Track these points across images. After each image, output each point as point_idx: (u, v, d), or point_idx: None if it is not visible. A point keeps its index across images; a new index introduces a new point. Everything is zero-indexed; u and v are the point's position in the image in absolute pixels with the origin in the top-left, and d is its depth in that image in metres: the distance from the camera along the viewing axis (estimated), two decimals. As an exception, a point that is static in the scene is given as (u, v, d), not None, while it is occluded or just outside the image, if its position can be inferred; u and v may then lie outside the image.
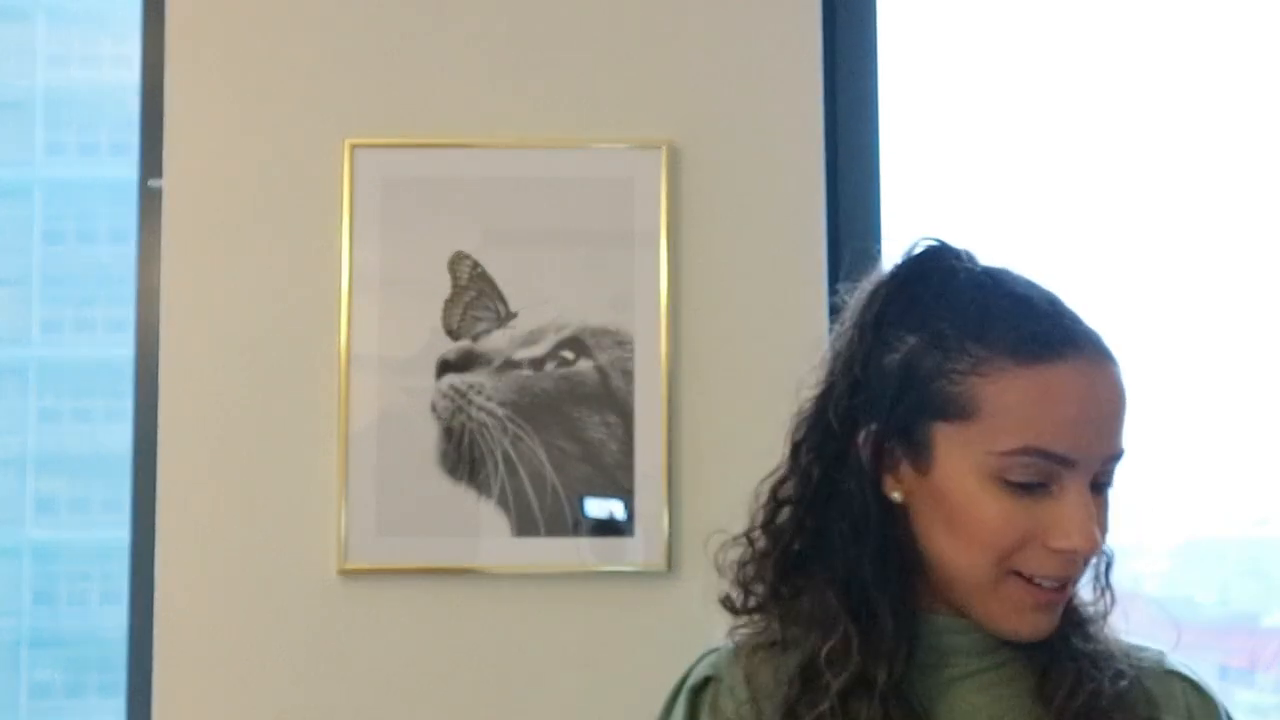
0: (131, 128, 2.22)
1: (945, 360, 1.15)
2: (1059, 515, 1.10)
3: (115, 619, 2.46)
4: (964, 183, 2.35)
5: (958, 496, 1.14)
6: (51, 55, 5.22)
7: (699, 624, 2.05)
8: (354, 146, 2.11)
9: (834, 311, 2.15)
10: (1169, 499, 2.21)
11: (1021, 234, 2.31)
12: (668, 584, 2.06)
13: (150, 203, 2.16)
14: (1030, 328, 1.14)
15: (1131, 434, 1.12)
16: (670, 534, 2.05)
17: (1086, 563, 1.14)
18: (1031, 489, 1.12)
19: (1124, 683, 1.13)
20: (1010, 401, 1.12)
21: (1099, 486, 1.13)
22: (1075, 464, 1.11)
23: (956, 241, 1.22)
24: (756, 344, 2.09)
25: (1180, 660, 1.18)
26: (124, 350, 2.22)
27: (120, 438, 2.23)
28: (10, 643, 5.11)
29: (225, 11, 2.15)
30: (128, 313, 2.20)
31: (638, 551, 2.05)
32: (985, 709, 1.19)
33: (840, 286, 1.29)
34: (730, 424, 2.08)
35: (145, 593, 2.08)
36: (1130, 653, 1.18)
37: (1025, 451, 1.11)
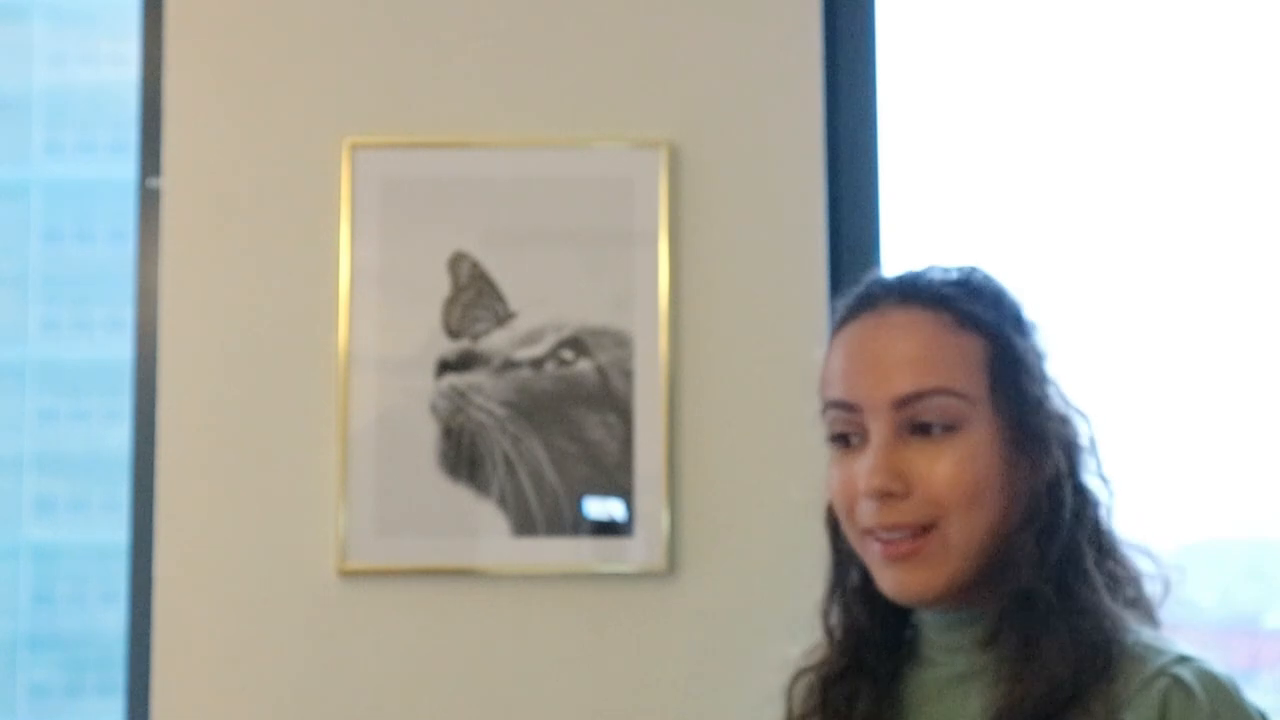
0: (130, 127, 2.21)
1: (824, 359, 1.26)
2: (862, 463, 1.16)
3: (114, 619, 2.46)
4: (963, 182, 2.35)
5: (828, 473, 1.23)
6: (50, 55, 5.22)
7: (699, 624, 2.06)
8: (354, 146, 2.11)
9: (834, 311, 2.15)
10: (1170, 500, 2.21)
11: (1021, 233, 2.31)
12: (668, 584, 2.06)
13: (149, 202, 2.16)
14: (848, 299, 1.24)
15: (956, 378, 1.15)
16: (670, 534, 2.05)
17: (928, 508, 1.14)
18: (849, 444, 1.18)
19: (1090, 690, 1.09)
20: (825, 370, 1.23)
21: (924, 428, 1.15)
22: (862, 409, 1.16)
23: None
24: (756, 344, 2.09)
25: (1195, 664, 1.10)
26: (123, 350, 2.22)
27: (119, 438, 2.23)
28: (9, 643, 5.11)
29: (225, 11, 2.15)
30: (126, 313, 2.20)
31: (638, 552, 2.05)
32: (949, 713, 1.19)
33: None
34: (730, 424, 2.08)
35: (144, 593, 2.07)
36: (1138, 654, 1.12)
37: (826, 406, 1.20)
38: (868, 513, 1.16)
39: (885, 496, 1.14)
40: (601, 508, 2.06)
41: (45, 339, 5.14)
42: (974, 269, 1.23)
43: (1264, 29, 2.39)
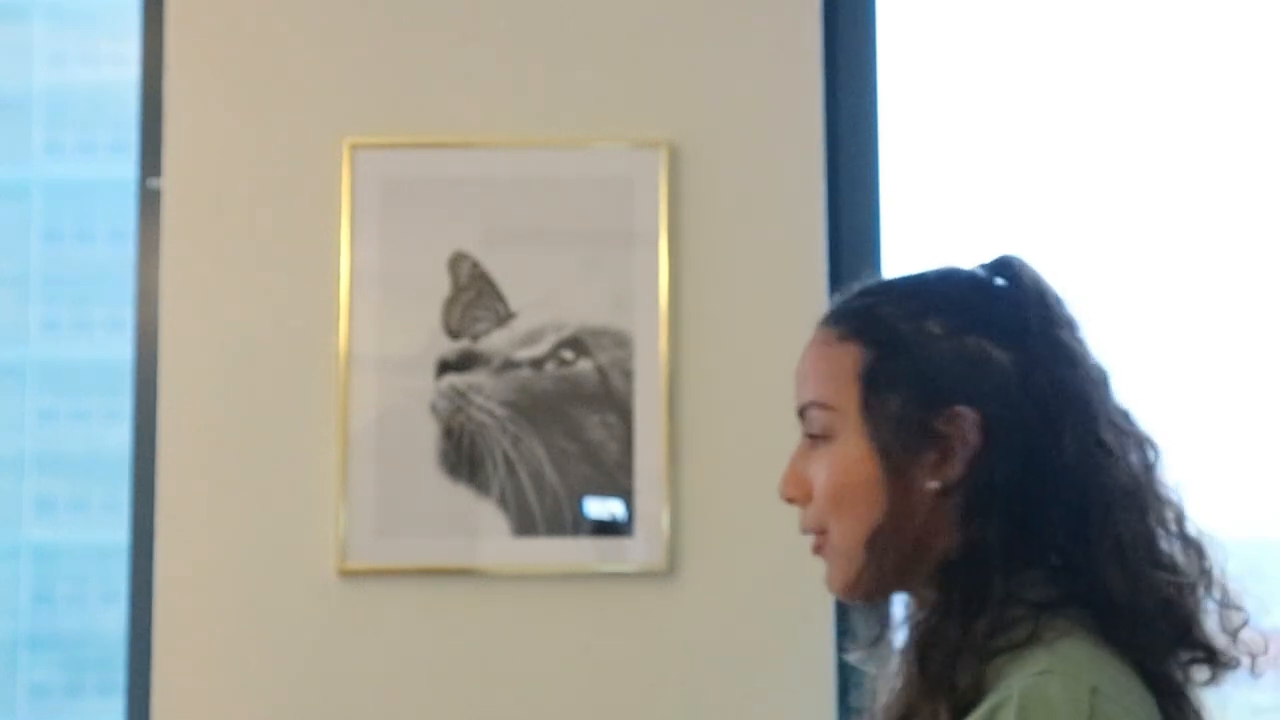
0: (131, 127, 2.21)
1: None
2: None
3: (114, 619, 2.46)
4: (963, 182, 2.35)
5: None
6: (50, 55, 5.22)
7: (699, 624, 2.06)
8: (353, 146, 2.11)
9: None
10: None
11: (1020, 232, 2.31)
12: (668, 584, 2.06)
13: (149, 202, 2.16)
14: None
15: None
16: (670, 534, 2.05)
17: (816, 514, 1.17)
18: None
19: (935, 699, 1.09)
20: None
21: (813, 441, 1.19)
22: (799, 414, 1.21)
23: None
24: (756, 344, 2.09)
25: (1041, 681, 1.04)
26: (123, 350, 2.22)
27: (119, 438, 2.23)
28: (9, 643, 5.11)
29: (225, 11, 2.15)
30: (126, 313, 2.20)
31: (638, 551, 2.05)
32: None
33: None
34: (730, 424, 2.08)
35: (144, 593, 2.07)
36: (1005, 666, 1.08)
37: None
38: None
39: (790, 502, 1.20)
40: (601, 508, 2.06)
41: (45, 339, 5.14)
42: (936, 271, 1.22)
43: (1264, 29, 2.39)
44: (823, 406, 1.17)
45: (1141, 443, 1.19)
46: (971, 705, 1.06)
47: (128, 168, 2.22)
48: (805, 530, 1.20)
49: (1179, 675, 1.14)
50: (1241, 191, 2.43)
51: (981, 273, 1.22)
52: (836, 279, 2.10)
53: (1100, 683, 1.05)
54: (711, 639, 2.05)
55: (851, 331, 1.18)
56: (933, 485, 1.14)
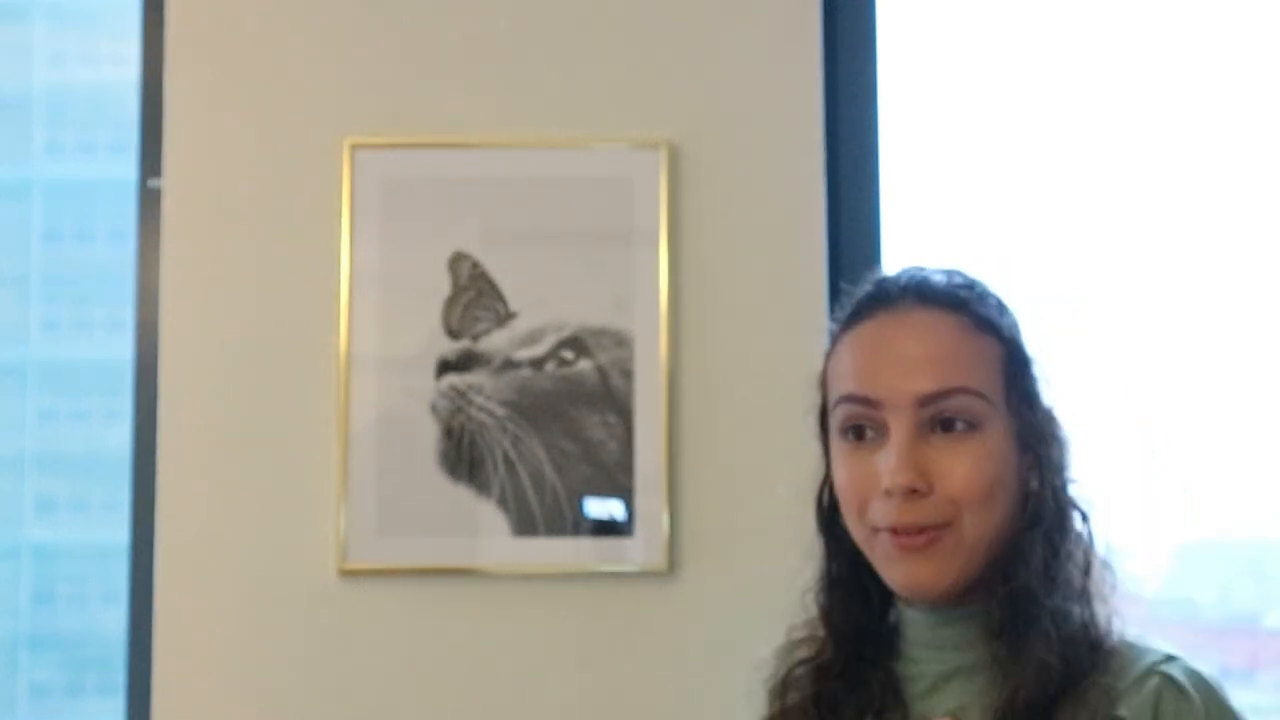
0: (131, 127, 2.21)
1: (825, 354, 1.28)
2: (883, 460, 1.16)
3: (115, 619, 2.46)
4: (964, 182, 2.35)
5: (833, 468, 1.23)
6: (51, 55, 5.22)
7: (699, 624, 2.06)
8: (354, 146, 2.11)
9: (835, 311, 2.15)
10: (1169, 499, 2.21)
11: (1020, 232, 2.31)
12: (668, 584, 2.06)
13: (150, 202, 2.16)
14: (858, 298, 1.25)
15: (981, 379, 1.18)
16: (670, 534, 2.05)
17: (947, 506, 1.16)
18: (865, 440, 1.18)
19: (1083, 682, 1.11)
20: (836, 364, 1.24)
21: (947, 424, 1.16)
22: (883, 404, 1.17)
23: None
24: (756, 344, 2.09)
25: (1182, 663, 1.13)
26: (123, 350, 2.22)
27: (120, 438, 2.23)
28: (9, 643, 5.11)
29: (225, 11, 2.15)
30: (127, 313, 2.20)
31: (638, 551, 2.05)
32: (947, 706, 1.20)
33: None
34: (730, 424, 2.08)
35: (144, 593, 2.07)
36: (1123, 652, 1.15)
37: (841, 401, 1.20)
38: (886, 510, 1.17)
39: (909, 494, 1.15)
40: (601, 508, 2.06)
41: (45, 339, 5.14)
42: (971, 275, 1.25)
43: (1264, 29, 2.39)
44: (976, 394, 1.16)
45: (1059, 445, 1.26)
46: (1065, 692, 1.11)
47: (128, 168, 2.22)
48: (920, 524, 1.16)
49: None
50: (1242, 191, 2.44)
51: (972, 281, 1.25)
52: (836, 279, 2.10)
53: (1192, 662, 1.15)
54: (711, 639, 2.05)
55: (984, 324, 1.19)
56: (1034, 485, 1.17)
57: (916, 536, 1.16)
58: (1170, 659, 1.13)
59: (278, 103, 2.14)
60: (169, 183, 2.13)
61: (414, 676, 2.05)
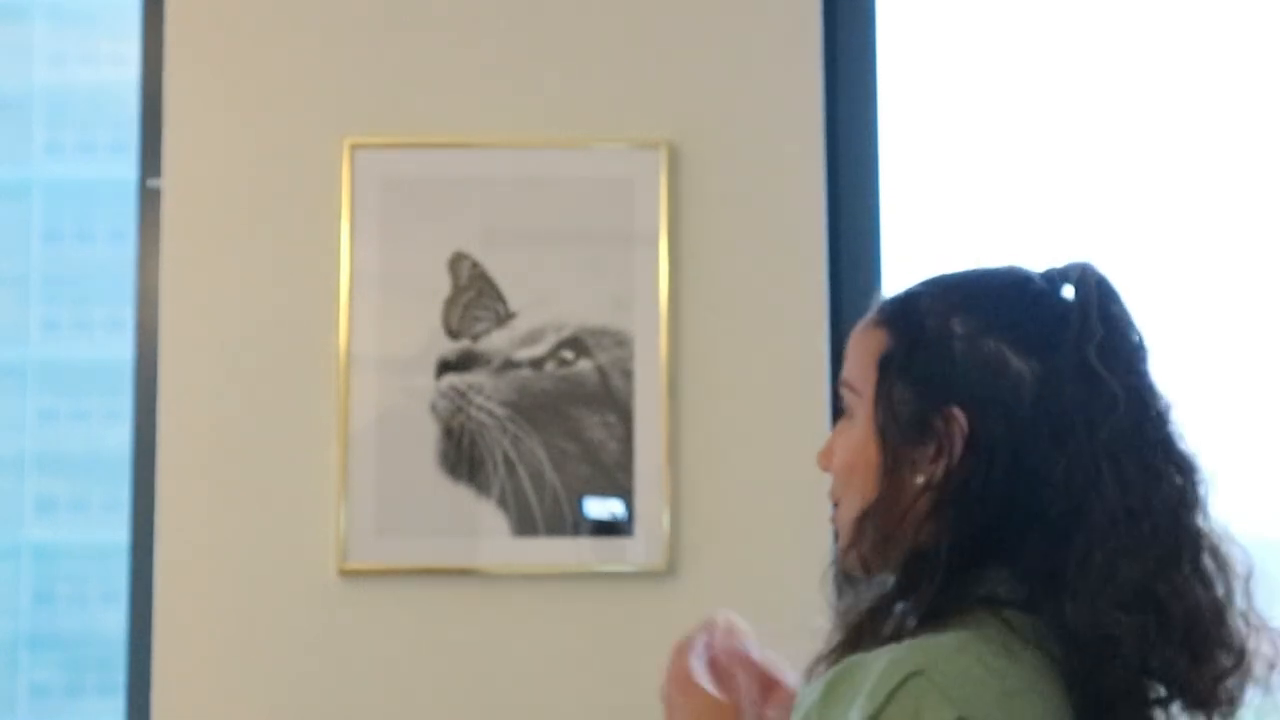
0: (131, 127, 2.22)
1: None
2: None
3: (114, 619, 2.46)
4: (963, 182, 2.35)
5: None
6: (51, 55, 5.22)
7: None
8: (353, 146, 2.10)
9: (834, 311, 2.16)
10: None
11: (1020, 232, 2.31)
12: (668, 584, 2.06)
13: (149, 202, 2.16)
14: None
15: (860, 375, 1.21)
16: (670, 534, 2.05)
17: (852, 495, 1.19)
18: None
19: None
20: None
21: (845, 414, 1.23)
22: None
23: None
24: (756, 344, 2.09)
25: (886, 653, 1.07)
26: (123, 350, 2.22)
27: (119, 438, 2.23)
28: (9, 643, 5.11)
29: (225, 11, 2.15)
30: (127, 313, 2.20)
31: (638, 551, 2.05)
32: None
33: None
34: (730, 424, 2.08)
35: (144, 593, 2.07)
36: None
37: None
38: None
39: (825, 471, 1.24)
40: (601, 508, 2.06)
41: (45, 339, 5.14)
42: (992, 270, 1.22)
43: (1264, 29, 2.39)
44: (847, 386, 1.21)
45: (1175, 476, 1.15)
46: None
47: (128, 168, 2.22)
48: (839, 505, 1.23)
49: (1128, 707, 1.13)
50: (1242, 191, 2.44)
51: (1039, 278, 1.20)
52: (836, 279, 2.10)
53: (933, 665, 1.04)
54: (711, 639, 2.05)
55: (885, 319, 1.20)
56: (918, 480, 1.15)
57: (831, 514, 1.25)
58: (901, 648, 1.08)
59: (278, 103, 2.14)
60: (169, 183, 2.13)
61: (414, 676, 2.05)
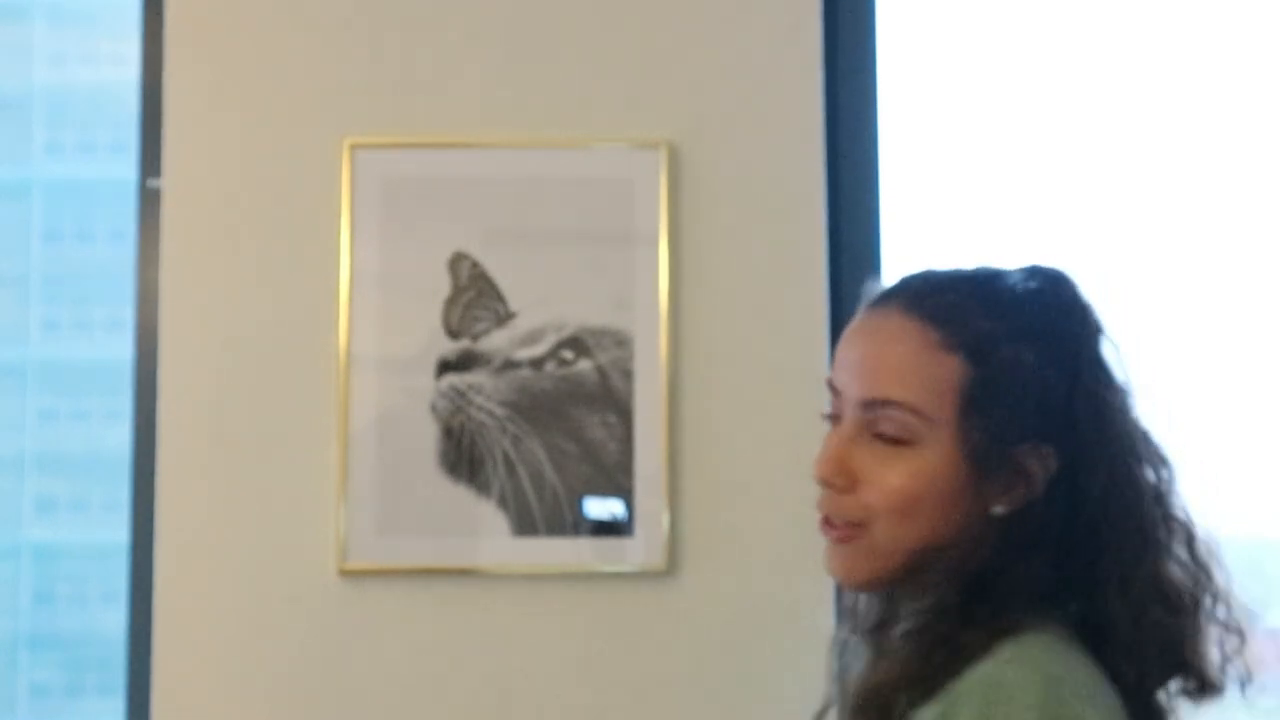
0: (131, 127, 2.21)
1: None
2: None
3: (115, 619, 2.46)
4: (963, 182, 2.35)
5: None
6: (50, 55, 5.22)
7: (699, 624, 2.06)
8: (353, 146, 2.11)
9: (834, 311, 2.16)
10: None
11: (1020, 232, 2.31)
12: (668, 584, 2.06)
13: (149, 202, 2.16)
14: (873, 287, 1.26)
15: (899, 389, 1.17)
16: (670, 534, 2.05)
17: (861, 509, 1.17)
18: (833, 422, 1.23)
19: (937, 683, 1.11)
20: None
21: (881, 437, 1.17)
22: (842, 396, 1.21)
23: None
24: (756, 344, 2.09)
25: (1002, 667, 1.09)
26: (123, 350, 2.22)
27: (119, 438, 2.23)
28: (9, 643, 5.11)
29: (224, 11, 2.15)
30: (127, 313, 2.20)
31: (638, 551, 2.05)
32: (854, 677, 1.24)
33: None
34: (730, 424, 2.08)
35: (144, 593, 2.07)
36: (989, 658, 1.12)
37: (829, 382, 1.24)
38: (819, 495, 1.21)
39: (827, 486, 1.19)
40: (601, 508, 2.06)
41: (45, 339, 5.14)
42: (991, 281, 1.22)
43: (1264, 29, 2.39)
44: (913, 411, 1.16)
45: (1157, 464, 1.19)
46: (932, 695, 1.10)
47: (128, 168, 2.22)
48: (836, 518, 1.19)
49: (1163, 699, 1.16)
50: (1242, 191, 2.44)
51: (1038, 285, 1.22)
52: (836, 279, 2.10)
53: (1058, 670, 1.08)
54: (711, 639, 2.05)
55: (955, 342, 1.16)
56: (999, 510, 1.16)
57: (835, 529, 1.20)
58: (1005, 661, 1.10)
59: (278, 103, 2.14)
60: (169, 183, 2.13)
61: (414, 676, 2.05)
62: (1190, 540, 1.18)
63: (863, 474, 1.17)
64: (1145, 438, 1.20)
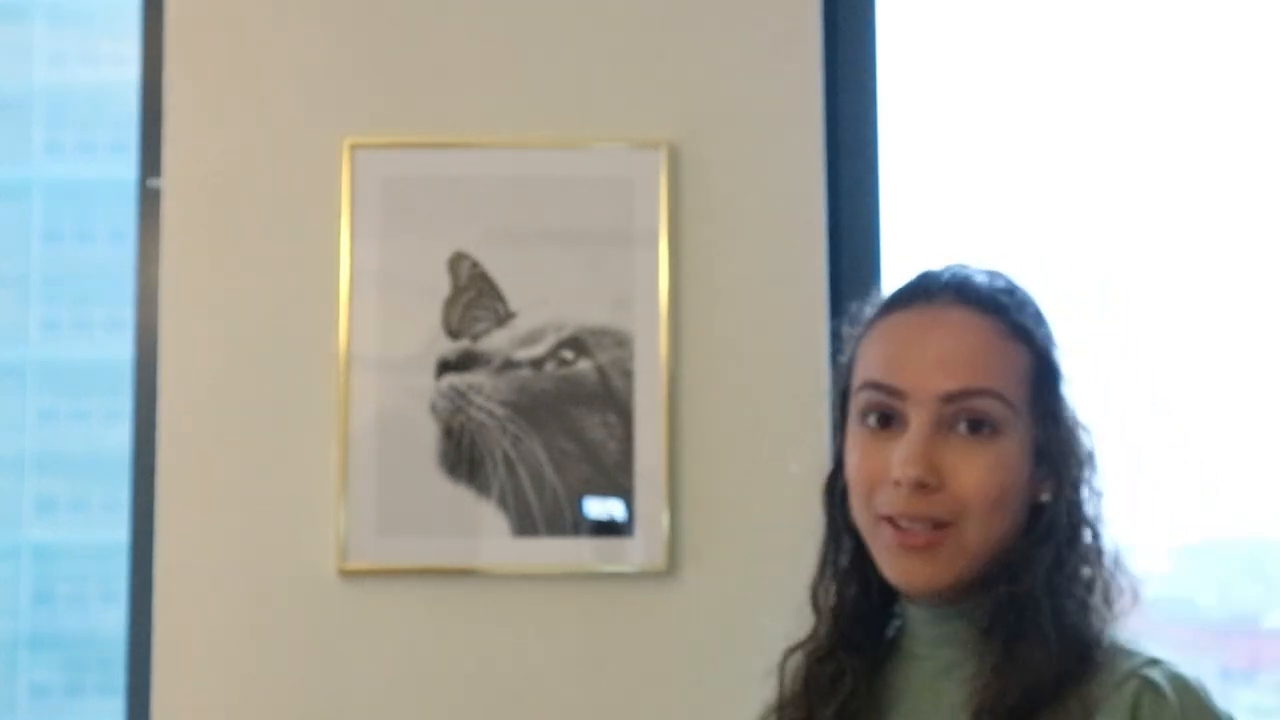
0: (130, 127, 2.21)
1: (856, 338, 1.27)
2: (897, 450, 1.16)
3: (114, 619, 2.46)
4: (963, 182, 2.35)
5: (846, 452, 1.23)
6: (50, 54, 5.22)
7: (699, 624, 2.06)
8: (353, 146, 2.10)
9: (834, 311, 2.15)
10: (1169, 499, 2.21)
11: (1020, 232, 2.31)
12: (667, 584, 2.06)
13: (149, 202, 2.16)
14: (899, 288, 1.25)
15: (999, 379, 1.18)
16: (670, 534, 2.05)
17: (953, 505, 1.16)
18: (885, 426, 1.19)
19: (1066, 690, 1.12)
20: (866, 349, 1.23)
21: (971, 424, 1.16)
22: (906, 395, 1.17)
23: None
24: (756, 344, 2.09)
25: (1166, 667, 1.12)
26: (123, 350, 2.22)
27: (119, 438, 2.23)
28: (9, 643, 5.11)
29: (224, 11, 2.15)
30: (127, 313, 2.20)
31: (638, 552, 2.05)
32: (934, 704, 1.21)
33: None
34: (730, 424, 2.08)
35: (144, 593, 2.07)
36: (1110, 659, 1.15)
37: (864, 386, 1.20)
38: (892, 499, 1.17)
39: (918, 487, 1.15)
40: (601, 508, 2.06)
41: (45, 339, 5.14)
42: (1013, 280, 1.25)
43: (1264, 29, 2.39)
44: (1002, 399, 1.16)
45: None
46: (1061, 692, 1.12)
47: (128, 168, 2.22)
48: (921, 521, 1.16)
49: None
50: (1242, 191, 2.44)
51: (1019, 285, 1.26)
52: (836, 279, 2.10)
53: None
54: (711, 639, 2.05)
55: (1018, 331, 1.19)
56: (1044, 498, 1.19)
57: (918, 535, 1.16)
58: (1154, 662, 1.13)
59: (278, 103, 2.14)
60: (169, 183, 2.13)
61: (414, 676, 2.05)
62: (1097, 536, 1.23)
63: (949, 470, 1.15)
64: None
